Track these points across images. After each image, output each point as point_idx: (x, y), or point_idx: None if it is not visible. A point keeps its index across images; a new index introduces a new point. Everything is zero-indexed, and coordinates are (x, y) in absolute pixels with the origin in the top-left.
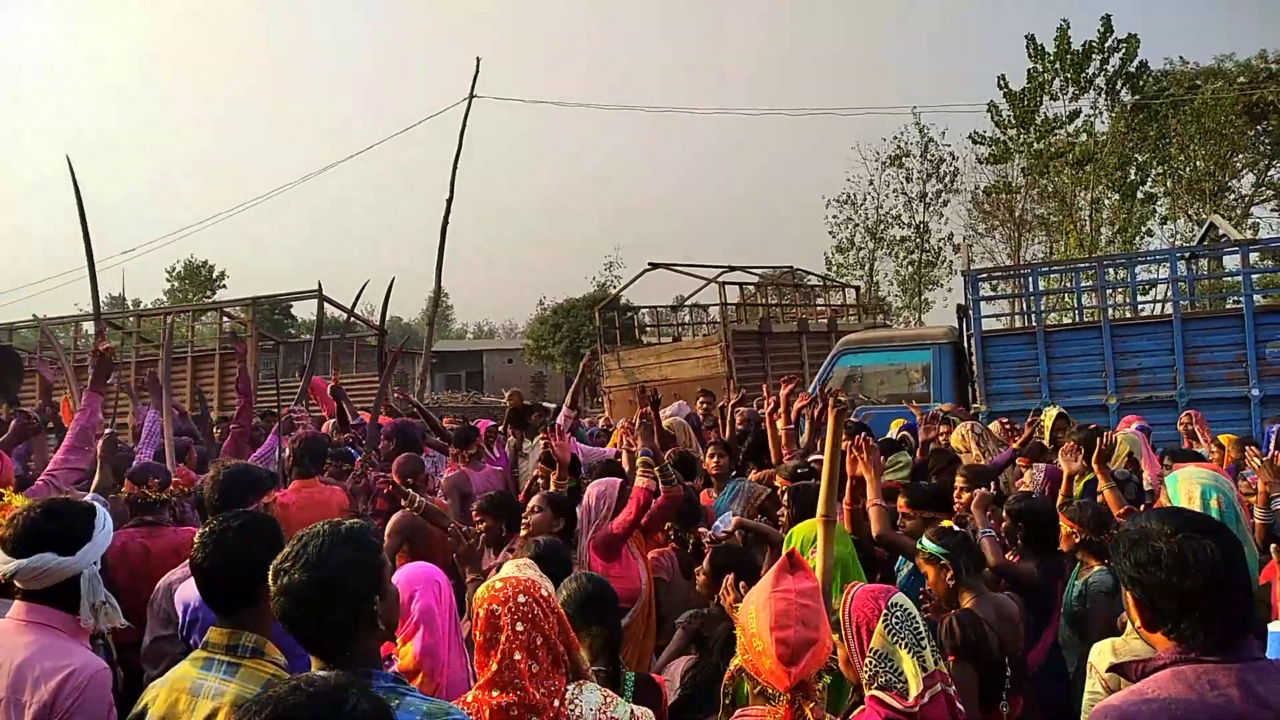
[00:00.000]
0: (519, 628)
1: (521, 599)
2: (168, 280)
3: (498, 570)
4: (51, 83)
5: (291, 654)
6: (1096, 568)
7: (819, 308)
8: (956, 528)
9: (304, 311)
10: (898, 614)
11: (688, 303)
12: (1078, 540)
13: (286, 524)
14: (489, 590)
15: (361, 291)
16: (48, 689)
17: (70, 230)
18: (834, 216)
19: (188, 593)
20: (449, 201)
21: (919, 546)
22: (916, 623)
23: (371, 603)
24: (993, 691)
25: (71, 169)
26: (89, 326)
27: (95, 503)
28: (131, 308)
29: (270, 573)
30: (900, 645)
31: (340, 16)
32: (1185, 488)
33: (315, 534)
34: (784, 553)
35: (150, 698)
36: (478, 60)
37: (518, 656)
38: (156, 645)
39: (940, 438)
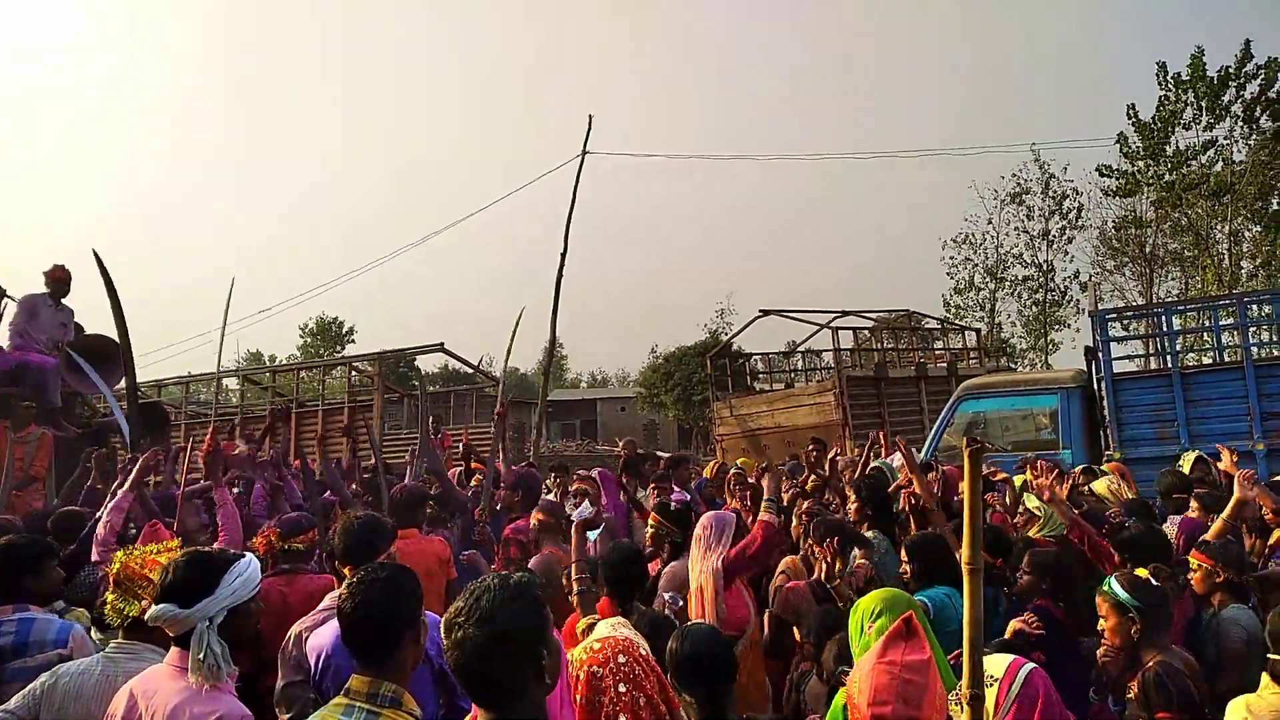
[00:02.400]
0: (621, 689)
1: (622, 659)
2: (301, 336)
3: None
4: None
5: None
6: (1234, 604)
7: (938, 351)
8: (1154, 580)
9: (426, 364)
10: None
11: (800, 349)
12: (1219, 580)
13: None
14: (587, 652)
15: (518, 321)
16: None
17: (215, 290)
18: (951, 257)
19: (319, 640)
20: (563, 255)
21: (1105, 586)
22: None
23: (541, 656)
24: None
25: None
26: (230, 382)
27: (242, 556)
28: (268, 363)
29: (444, 625)
30: None
31: (457, 77)
32: None
33: (486, 588)
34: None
35: None
36: (589, 118)
37: (622, 719)
38: (289, 690)
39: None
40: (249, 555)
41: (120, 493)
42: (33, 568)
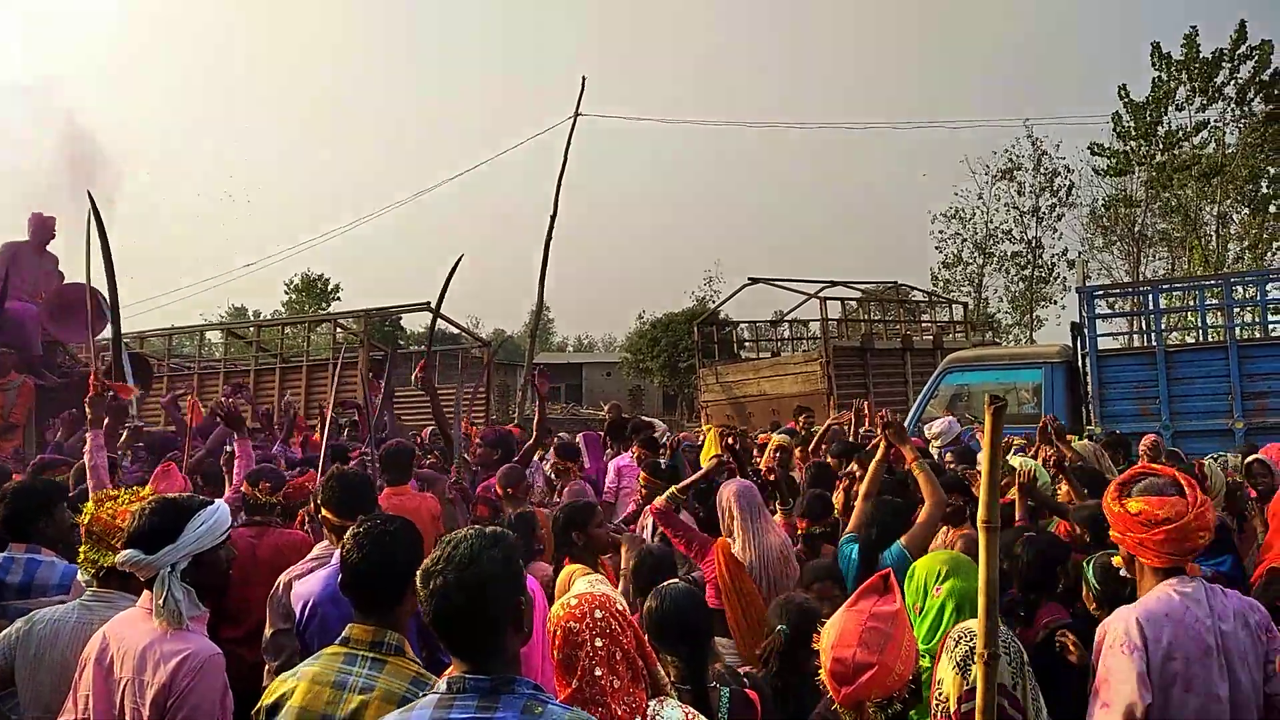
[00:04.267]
0: (598, 643)
1: (599, 614)
2: (285, 292)
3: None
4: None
5: None
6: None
7: (924, 324)
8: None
9: (413, 324)
10: (966, 638)
11: (788, 318)
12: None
13: None
14: (564, 608)
15: (456, 265)
16: (166, 670)
17: (195, 244)
18: (941, 231)
19: (306, 588)
20: (553, 217)
21: (1085, 564)
22: (974, 640)
23: (519, 604)
24: None
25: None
26: (213, 336)
27: (210, 503)
28: (252, 318)
29: (420, 576)
30: (952, 664)
31: (451, 37)
32: None
33: (463, 537)
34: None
35: (287, 689)
36: (583, 79)
37: (599, 672)
38: (277, 639)
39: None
40: (218, 502)
41: (89, 435)
42: (45, 509)
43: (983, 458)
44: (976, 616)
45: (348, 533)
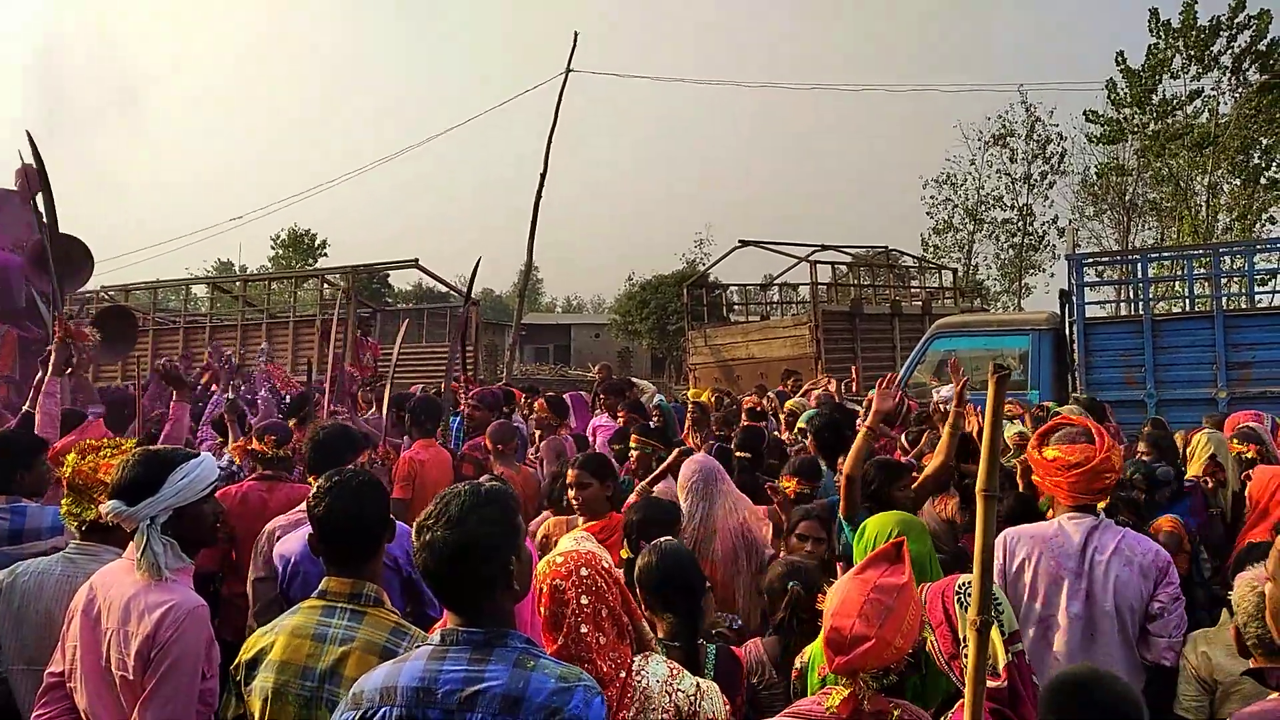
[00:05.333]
0: (584, 601)
1: (584, 572)
2: (273, 248)
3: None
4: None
5: None
6: None
7: (914, 290)
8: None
9: (400, 281)
10: (968, 590)
11: (777, 281)
12: None
13: (422, 480)
14: (550, 566)
15: (476, 267)
16: (150, 621)
17: (182, 197)
18: (932, 197)
19: (288, 547)
20: (542, 176)
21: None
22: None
23: (509, 562)
24: None
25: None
26: (199, 290)
27: (194, 456)
28: (239, 273)
29: (414, 530)
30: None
31: None
32: None
33: (456, 493)
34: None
35: (266, 642)
36: (575, 35)
37: (584, 629)
38: (258, 585)
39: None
40: (203, 455)
41: (47, 380)
42: (27, 461)
43: (985, 426)
44: (928, 579)
45: (313, 489)
